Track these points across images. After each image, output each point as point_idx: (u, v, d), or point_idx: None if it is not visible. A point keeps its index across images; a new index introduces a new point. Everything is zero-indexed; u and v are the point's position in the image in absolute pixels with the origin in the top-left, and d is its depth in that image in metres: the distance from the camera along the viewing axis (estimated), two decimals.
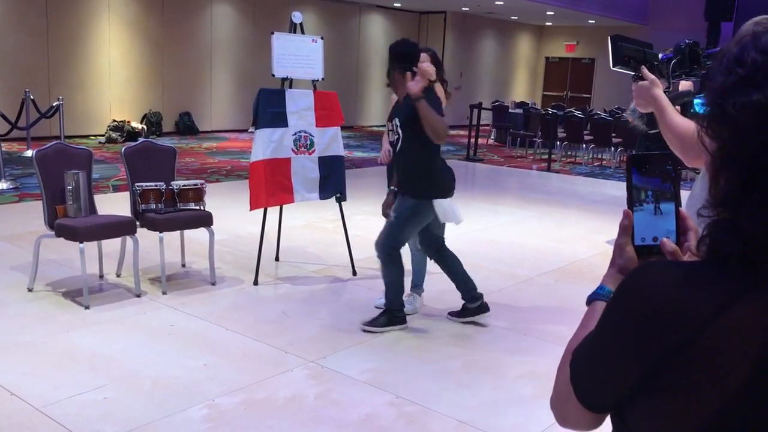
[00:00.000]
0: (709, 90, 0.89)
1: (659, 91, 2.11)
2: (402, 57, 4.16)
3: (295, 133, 5.19)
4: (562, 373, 0.99)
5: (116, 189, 8.51)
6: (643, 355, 0.84)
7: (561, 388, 0.99)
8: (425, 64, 4.13)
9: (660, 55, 2.30)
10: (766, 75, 0.79)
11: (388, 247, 4.25)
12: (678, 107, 2.21)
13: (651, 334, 0.83)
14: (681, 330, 0.80)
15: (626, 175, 1.03)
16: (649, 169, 1.02)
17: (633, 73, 2.18)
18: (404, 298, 4.44)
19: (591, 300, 1.08)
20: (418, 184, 4.17)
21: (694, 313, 0.80)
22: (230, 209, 7.09)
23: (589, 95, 22.11)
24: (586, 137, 13.57)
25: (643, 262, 1.00)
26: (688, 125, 2.14)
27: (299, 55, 5.27)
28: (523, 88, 23.33)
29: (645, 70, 2.14)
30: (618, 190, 10.58)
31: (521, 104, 17.47)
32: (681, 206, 1.03)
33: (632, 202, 1.03)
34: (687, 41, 2.26)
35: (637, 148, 7.23)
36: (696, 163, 2.07)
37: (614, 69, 2.25)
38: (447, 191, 4.27)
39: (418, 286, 4.75)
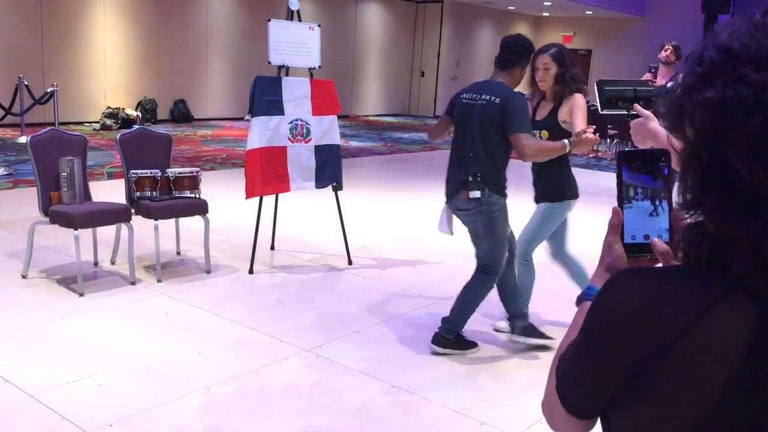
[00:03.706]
0: (674, 92, 0.89)
1: (655, 124, 2.09)
2: (530, 53, 3.93)
3: (292, 122, 5.17)
4: (550, 379, 0.99)
5: (111, 176, 8.47)
6: (620, 364, 0.83)
7: (549, 393, 0.99)
8: (587, 136, 3.64)
9: (668, 84, 2.34)
10: (721, 71, 0.79)
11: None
12: None
13: (627, 344, 0.82)
14: (656, 340, 0.79)
15: (616, 172, 1.01)
16: (639, 165, 1.00)
17: (626, 113, 2.20)
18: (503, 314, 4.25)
19: (580, 300, 1.07)
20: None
21: (668, 324, 0.79)
22: (225, 197, 7.07)
23: (585, 86, 22.09)
24: None
25: (623, 269, 0.98)
26: None
27: (296, 42, 5.24)
28: None
29: (638, 107, 2.17)
30: (614, 182, 10.57)
31: None
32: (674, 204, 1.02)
33: (622, 199, 1.01)
34: None
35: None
36: None
37: (603, 113, 2.28)
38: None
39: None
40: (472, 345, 3.94)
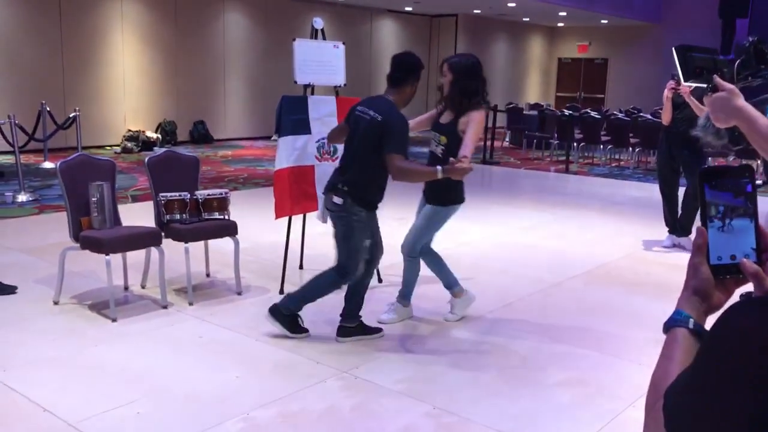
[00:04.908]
0: None
1: (741, 100, 1.82)
2: (419, 70, 4.08)
3: (319, 140, 5.14)
4: (653, 416, 0.92)
5: (135, 199, 8.48)
6: (752, 407, 0.76)
7: (655, 430, 0.92)
8: (460, 165, 3.71)
9: (719, 57, 2.11)
10: None
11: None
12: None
13: (758, 384, 0.75)
14: None
15: (698, 191, 0.97)
16: (720, 183, 0.96)
17: (706, 86, 1.95)
18: (387, 305, 4.59)
19: (669, 327, 1.01)
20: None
21: None
22: (250, 217, 7.04)
23: (602, 95, 22.00)
24: (603, 138, 13.48)
25: (740, 301, 0.93)
26: None
27: (321, 61, 5.22)
28: (536, 89, 23.23)
29: (720, 80, 1.87)
30: (639, 191, 10.48)
31: (536, 106, 17.38)
32: (759, 221, 0.96)
33: (705, 218, 0.97)
34: (750, 39, 2.05)
35: (659, 156, 7.06)
36: None
37: (686, 84, 2.03)
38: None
39: (455, 285, 4.58)
40: (303, 330, 4.17)
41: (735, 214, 0.96)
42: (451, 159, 3.81)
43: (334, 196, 3.97)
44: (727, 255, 0.96)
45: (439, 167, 3.82)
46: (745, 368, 0.77)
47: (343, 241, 4.05)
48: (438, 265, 4.55)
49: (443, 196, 4.28)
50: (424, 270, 4.55)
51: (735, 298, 0.91)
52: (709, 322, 0.91)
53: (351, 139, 4.05)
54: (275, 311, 4.13)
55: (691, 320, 0.98)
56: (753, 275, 0.93)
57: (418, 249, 4.41)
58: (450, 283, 4.57)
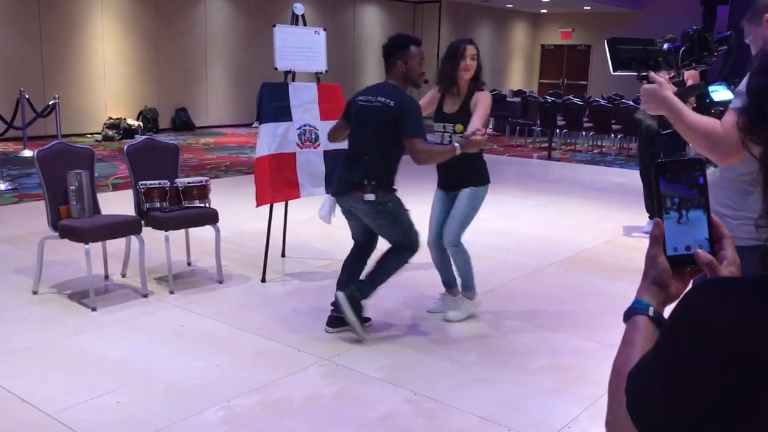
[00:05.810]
0: (747, 93, 0.84)
1: (668, 92, 2.01)
2: (402, 46, 4.03)
3: (300, 127, 5.11)
4: (616, 399, 0.93)
5: (116, 187, 8.41)
6: (712, 385, 0.77)
7: (617, 415, 0.93)
8: (475, 137, 3.73)
9: (665, 45, 2.22)
10: None
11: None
12: (690, 103, 2.13)
13: (720, 363, 0.76)
14: (755, 356, 0.74)
15: (653, 183, 1.00)
16: (674, 176, 0.98)
17: (636, 74, 2.12)
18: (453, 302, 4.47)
19: (629, 315, 1.03)
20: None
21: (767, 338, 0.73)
22: (232, 205, 7.02)
23: (585, 82, 22.05)
24: (586, 124, 13.52)
25: (704, 281, 0.94)
26: (710, 123, 2.00)
27: (302, 47, 5.19)
28: (519, 76, 23.25)
29: (652, 74, 2.05)
30: (620, 177, 10.53)
31: (519, 92, 17.39)
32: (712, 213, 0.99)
33: (661, 210, 0.99)
34: (694, 27, 2.18)
35: (639, 142, 7.14)
36: (729, 161, 2.00)
37: (615, 74, 2.19)
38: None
39: (454, 285, 4.48)
40: (366, 320, 4.12)
41: (689, 205, 0.98)
42: (466, 133, 3.84)
43: (364, 195, 3.82)
44: (682, 246, 0.99)
45: (456, 144, 3.81)
46: (705, 347, 0.78)
47: (392, 227, 3.97)
48: (448, 262, 4.42)
49: (479, 178, 4.22)
50: (413, 258, 4.52)
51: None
52: (667, 312, 0.92)
53: (360, 131, 3.94)
54: (351, 299, 3.91)
55: (651, 308, 1.00)
56: (707, 265, 0.95)
57: (461, 237, 4.26)
58: (449, 281, 4.49)
